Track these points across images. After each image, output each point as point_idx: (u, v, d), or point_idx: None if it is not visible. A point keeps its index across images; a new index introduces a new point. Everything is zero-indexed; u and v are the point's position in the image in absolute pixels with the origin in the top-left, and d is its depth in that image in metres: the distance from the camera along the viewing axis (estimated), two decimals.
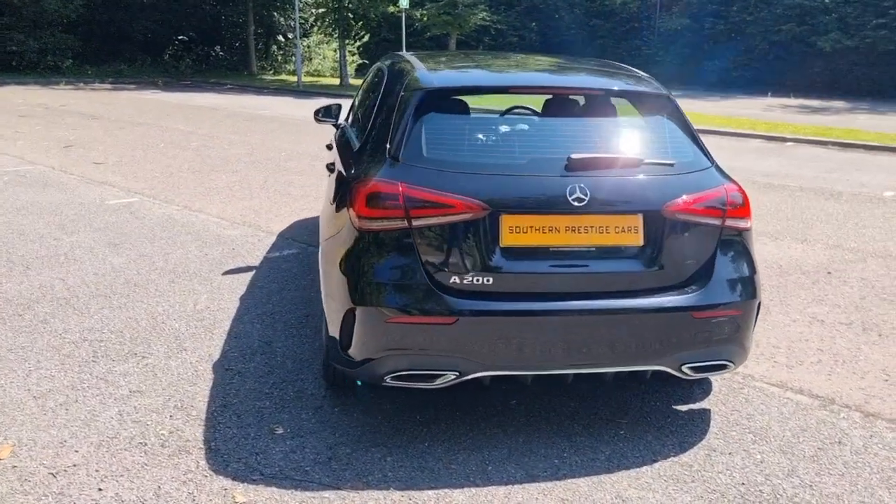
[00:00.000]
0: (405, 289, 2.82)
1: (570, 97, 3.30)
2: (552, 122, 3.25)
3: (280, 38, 34.09)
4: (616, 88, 3.24)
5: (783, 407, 3.44)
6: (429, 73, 3.30)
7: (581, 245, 2.87)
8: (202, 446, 3.00)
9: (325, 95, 21.92)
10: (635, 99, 3.23)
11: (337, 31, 26.55)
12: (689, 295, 2.91)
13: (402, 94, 3.17)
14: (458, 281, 2.82)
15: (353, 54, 29.92)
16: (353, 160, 3.37)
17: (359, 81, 27.56)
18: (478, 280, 2.83)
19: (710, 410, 3.40)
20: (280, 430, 3.13)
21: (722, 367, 3.04)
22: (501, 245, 2.82)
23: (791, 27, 26.52)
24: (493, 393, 3.42)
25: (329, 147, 5.10)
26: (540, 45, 33.80)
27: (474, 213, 2.78)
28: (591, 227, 2.86)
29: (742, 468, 2.94)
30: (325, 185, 4.46)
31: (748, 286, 3.01)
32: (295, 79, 27.47)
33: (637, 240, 2.89)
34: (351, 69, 27.06)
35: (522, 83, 3.28)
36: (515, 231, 2.82)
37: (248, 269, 5.25)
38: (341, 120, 5.17)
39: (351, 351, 2.94)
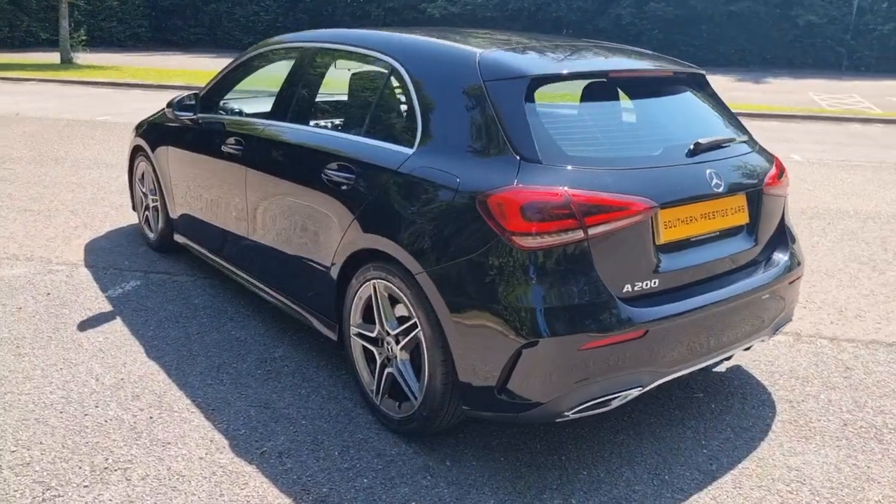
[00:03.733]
0: (593, 308, 2.48)
1: (656, 79, 3.12)
2: (647, 105, 3.07)
3: None
4: (682, 70, 3.18)
5: (777, 348, 3.85)
6: (508, 56, 2.86)
7: (711, 231, 2.83)
8: None
9: None
10: (692, 79, 3.22)
11: None
12: (783, 264, 3.06)
13: (490, 83, 2.70)
14: (630, 289, 2.58)
15: None
16: (410, 169, 2.79)
17: None
18: (646, 284, 2.62)
19: (739, 365, 3.64)
20: None
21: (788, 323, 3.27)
22: (658, 243, 2.64)
23: None
24: None
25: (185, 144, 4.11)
26: (144, 8, 30.90)
27: (644, 213, 2.55)
28: (718, 211, 2.83)
29: (827, 411, 3.24)
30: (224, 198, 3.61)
31: (799, 247, 3.27)
32: None
33: (744, 218, 2.94)
34: None
35: (619, 68, 3.01)
36: (669, 226, 2.66)
37: (103, 317, 4.04)
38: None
39: (522, 393, 2.50)
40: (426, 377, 2.72)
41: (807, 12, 23.54)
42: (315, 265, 3.27)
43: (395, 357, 2.90)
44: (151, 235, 5.10)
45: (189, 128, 4.33)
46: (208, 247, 4.34)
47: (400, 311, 2.90)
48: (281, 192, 3.44)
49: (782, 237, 3.16)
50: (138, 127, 5.17)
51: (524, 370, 2.47)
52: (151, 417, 3.06)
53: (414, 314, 2.73)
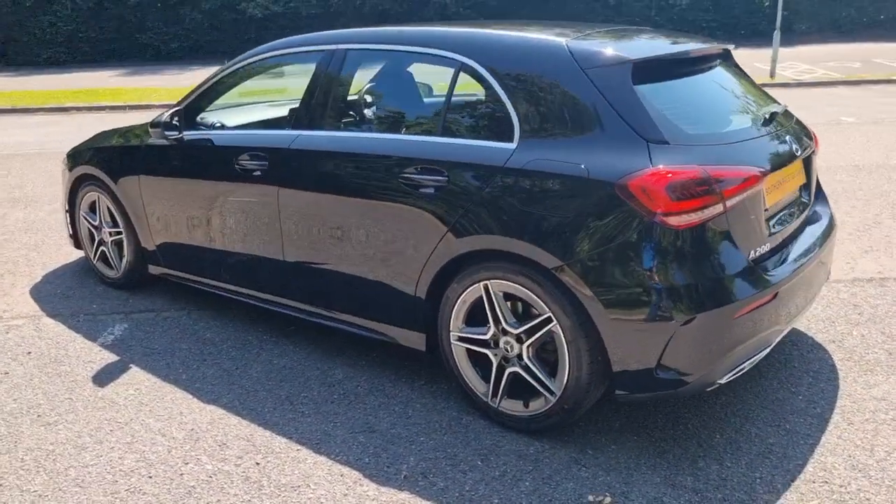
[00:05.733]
0: (738, 277, 2.60)
1: (712, 56, 3.22)
2: (713, 80, 3.16)
3: None
4: (724, 46, 3.33)
5: None
6: (598, 43, 2.88)
7: (788, 193, 3.03)
8: None
9: None
10: (727, 55, 3.38)
11: None
12: (829, 217, 3.35)
13: (592, 71, 2.72)
14: (754, 255, 2.72)
15: None
16: (520, 163, 2.75)
17: None
18: (763, 248, 2.78)
19: None
20: (608, 499, 2.56)
21: None
22: (765, 208, 2.80)
23: None
24: None
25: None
26: None
27: (759, 183, 2.70)
28: (791, 174, 3.04)
29: (868, 345, 3.58)
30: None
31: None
32: None
33: (803, 178, 3.19)
34: None
35: (694, 48, 3.06)
36: (769, 192, 2.83)
37: (116, 368, 3.61)
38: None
39: (680, 369, 2.57)
40: (567, 370, 2.71)
41: None
42: (395, 275, 3.12)
43: (519, 355, 2.85)
44: (111, 272, 4.59)
45: (172, 149, 3.94)
46: (211, 274, 3.99)
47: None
48: (335, 205, 3.24)
49: (821, 194, 3.44)
50: (76, 155, 4.63)
51: (683, 347, 2.53)
52: (258, 463, 2.81)
53: (548, 309, 2.70)
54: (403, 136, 3.14)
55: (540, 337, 2.77)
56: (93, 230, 4.63)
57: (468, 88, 3.10)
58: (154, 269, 4.35)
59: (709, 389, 2.69)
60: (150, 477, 2.74)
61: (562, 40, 2.87)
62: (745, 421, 2.97)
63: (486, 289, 2.85)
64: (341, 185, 3.22)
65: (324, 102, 3.39)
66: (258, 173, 3.51)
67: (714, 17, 25.60)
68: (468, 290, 2.90)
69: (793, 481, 2.60)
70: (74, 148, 4.78)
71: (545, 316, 2.72)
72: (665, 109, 2.73)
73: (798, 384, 3.24)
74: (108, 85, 17.60)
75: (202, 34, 27.75)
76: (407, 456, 2.82)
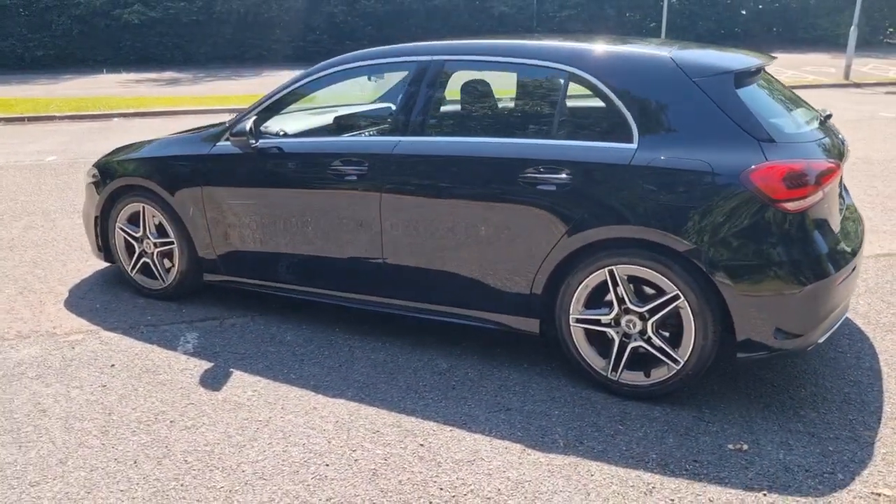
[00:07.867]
0: (836, 250, 3.13)
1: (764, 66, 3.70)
2: (772, 87, 3.64)
3: None
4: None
5: None
6: (700, 55, 3.32)
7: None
8: None
9: None
10: None
11: None
12: (853, 204, 3.97)
13: (701, 80, 3.16)
14: (836, 230, 3.26)
15: None
16: (645, 161, 3.14)
17: None
18: (839, 225, 3.32)
19: None
20: (745, 446, 2.99)
21: None
22: (838, 194, 3.35)
23: (91, 1, 25.78)
24: None
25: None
26: None
27: (838, 173, 3.24)
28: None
29: (875, 312, 4.23)
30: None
31: None
32: None
33: (840, 171, 3.77)
34: None
35: (766, 61, 3.54)
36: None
37: (217, 373, 3.68)
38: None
39: (793, 330, 3.05)
40: (693, 340, 3.12)
41: (499, 4, 26.36)
42: (512, 267, 3.41)
43: (642, 331, 3.23)
44: (156, 283, 4.56)
45: (246, 157, 4.02)
46: (289, 279, 4.10)
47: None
48: (446, 206, 3.48)
49: (845, 186, 4.06)
50: (110, 167, 4.58)
51: (797, 312, 3.02)
52: (422, 445, 3.03)
53: (676, 287, 3.10)
54: (522, 140, 3.44)
55: (665, 313, 3.17)
56: (132, 241, 4.58)
57: (574, 95, 3.44)
58: (211, 278, 4.38)
59: (810, 348, 3.18)
60: (328, 465, 2.90)
61: (665, 53, 3.28)
62: (817, 377, 3.50)
63: (612, 273, 3.21)
64: (453, 187, 3.48)
65: (423, 110, 3.63)
66: (353, 178, 3.69)
67: (591, 28, 27.16)
68: (592, 275, 3.25)
69: (880, 419, 3.14)
70: (104, 159, 4.71)
71: (672, 294, 3.12)
72: (765, 112, 3.21)
73: (840, 345, 3.82)
74: None
75: (71, 41, 26.29)
76: (553, 427, 3.13)
